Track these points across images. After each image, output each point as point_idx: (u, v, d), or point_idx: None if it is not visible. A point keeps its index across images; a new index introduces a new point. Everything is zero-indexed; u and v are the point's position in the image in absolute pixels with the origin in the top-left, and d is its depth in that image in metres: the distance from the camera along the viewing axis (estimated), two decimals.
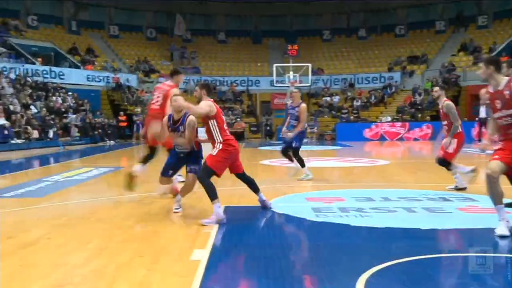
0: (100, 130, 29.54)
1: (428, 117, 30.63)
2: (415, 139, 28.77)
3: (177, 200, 7.31)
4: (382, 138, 29.48)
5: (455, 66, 35.27)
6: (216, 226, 6.40)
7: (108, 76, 35.32)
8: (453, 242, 5.94)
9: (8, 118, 22.79)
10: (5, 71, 28.60)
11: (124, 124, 31.04)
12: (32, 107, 26.41)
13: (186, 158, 7.10)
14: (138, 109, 31.50)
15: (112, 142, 28.45)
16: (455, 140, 8.81)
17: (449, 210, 7.43)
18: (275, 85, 34.08)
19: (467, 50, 37.11)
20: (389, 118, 32.26)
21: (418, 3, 41.17)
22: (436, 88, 9.41)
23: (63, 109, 28.66)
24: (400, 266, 4.44)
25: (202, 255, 4.86)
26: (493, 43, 35.93)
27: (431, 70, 36.63)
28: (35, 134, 24.19)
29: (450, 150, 8.84)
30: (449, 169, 9.29)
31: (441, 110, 9.10)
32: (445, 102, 8.97)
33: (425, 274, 4.41)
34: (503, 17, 37.91)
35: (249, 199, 8.27)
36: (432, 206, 7.68)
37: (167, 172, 7.24)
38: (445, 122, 9.00)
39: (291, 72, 33.80)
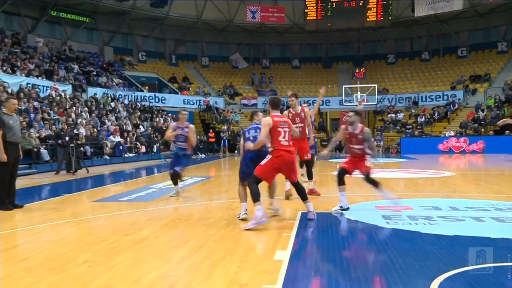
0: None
1: (491, 132, 28.78)
2: (473, 152, 27.15)
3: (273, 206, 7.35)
4: (450, 151, 28.05)
5: None
6: (295, 230, 6.29)
7: (200, 100, 36.06)
8: None
9: (122, 136, 23.78)
10: (121, 97, 30.10)
11: (213, 140, 31.49)
12: (140, 126, 27.52)
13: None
14: (225, 127, 31.91)
15: (203, 155, 28.83)
16: None
17: (486, 217, 6.97)
18: (344, 104, 33.23)
19: None
20: (452, 133, 30.48)
21: (480, 26, 39.06)
22: (351, 114, 7.87)
23: (164, 128, 29.63)
24: (472, 272, 4.25)
25: (284, 256, 4.84)
26: None
27: (493, 87, 34.48)
28: (143, 149, 25.14)
29: None
30: None
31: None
32: None
33: (496, 282, 4.16)
34: None
35: (324, 205, 8.11)
36: (501, 216, 7.18)
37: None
38: None
39: (358, 92, 33.09)
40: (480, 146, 27.11)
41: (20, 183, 12.91)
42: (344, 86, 34.83)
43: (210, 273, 4.31)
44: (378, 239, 6.19)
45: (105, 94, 29.16)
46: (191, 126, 9.19)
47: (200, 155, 29.10)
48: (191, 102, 35.72)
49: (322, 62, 42.80)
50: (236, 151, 28.72)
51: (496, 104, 31.21)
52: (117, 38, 38.04)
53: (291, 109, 8.84)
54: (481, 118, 31.08)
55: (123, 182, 13.17)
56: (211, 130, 32.71)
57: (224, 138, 30.69)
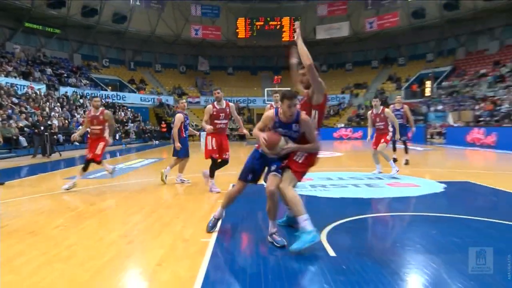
0: (148, 134, 29.85)
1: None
2: (356, 138, 28.86)
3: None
4: (341, 138, 29.56)
5: (384, 90, 35.35)
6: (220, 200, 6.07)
7: (154, 98, 35.52)
8: (384, 205, 5.92)
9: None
10: (88, 95, 29.01)
11: (164, 129, 31.13)
12: None
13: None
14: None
15: (156, 142, 28.60)
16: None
17: (381, 185, 7.41)
18: (266, 102, 33.80)
19: (392, 80, 37.19)
20: (342, 125, 32.48)
21: (359, 48, 41.07)
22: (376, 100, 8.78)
23: (125, 120, 29.15)
24: (350, 222, 4.61)
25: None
26: (408, 75, 36.00)
27: (369, 92, 36.70)
28: None
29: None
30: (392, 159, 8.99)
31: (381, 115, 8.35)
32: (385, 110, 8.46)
33: (366, 227, 4.67)
34: (414, 59, 37.91)
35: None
36: (371, 183, 7.65)
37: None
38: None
39: (276, 94, 33.81)
40: (360, 134, 28.88)
41: (2, 164, 12.70)
42: (266, 89, 35.73)
43: (160, 232, 4.36)
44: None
45: (74, 92, 28.04)
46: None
47: (154, 141, 29.05)
48: (147, 100, 35.14)
49: (250, 70, 43.21)
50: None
51: (371, 104, 32.80)
52: (85, 47, 36.42)
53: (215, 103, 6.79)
54: (361, 114, 33.31)
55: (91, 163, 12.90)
56: (163, 122, 32.40)
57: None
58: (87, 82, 32.33)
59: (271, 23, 39.71)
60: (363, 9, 37.63)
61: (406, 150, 10.97)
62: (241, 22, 39.75)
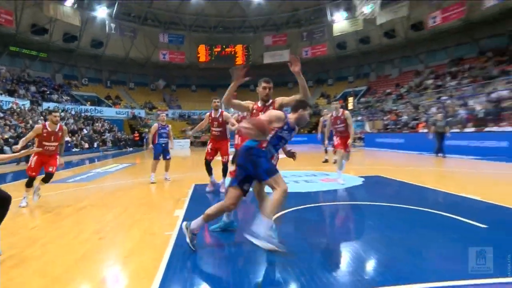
0: (123, 142, 28.73)
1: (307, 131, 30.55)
2: (297, 142, 28.53)
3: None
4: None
5: (318, 104, 35.88)
6: (190, 196, 6.02)
7: (128, 111, 34.24)
8: (317, 197, 5.93)
9: (71, 136, 22.09)
10: (69, 109, 27.53)
11: (137, 138, 30.08)
12: (84, 130, 25.68)
13: None
14: (146, 130, 30.79)
15: (130, 149, 27.61)
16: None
17: (316, 181, 7.49)
18: None
19: (324, 96, 38.05)
20: None
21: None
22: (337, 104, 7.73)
23: (102, 130, 27.87)
24: (290, 213, 4.57)
25: (180, 213, 4.78)
26: (335, 93, 37.09)
27: None
28: (86, 145, 23.56)
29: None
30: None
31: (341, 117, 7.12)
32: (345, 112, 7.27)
33: (302, 216, 4.59)
34: (340, 80, 38.98)
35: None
36: (308, 179, 7.71)
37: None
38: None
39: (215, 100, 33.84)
40: (303, 139, 28.83)
41: None
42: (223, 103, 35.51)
43: (130, 227, 4.21)
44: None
45: (56, 107, 26.22)
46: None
47: (128, 148, 28.01)
48: (122, 113, 33.71)
49: (210, 88, 42.75)
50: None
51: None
52: (66, 68, 34.31)
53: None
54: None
55: (71, 169, 12.19)
56: (136, 132, 31.19)
57: (146, 137, 29.48)
58: (68, 98, 30.52)
59: (226, 49, 39.56)
60: (300, 40, 38.43)
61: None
62: (201, 48, 39.39)
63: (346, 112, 7.30)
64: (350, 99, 35.47)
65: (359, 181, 7.33)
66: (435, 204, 5.14)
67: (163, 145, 8.15)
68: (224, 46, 39.55)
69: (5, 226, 4.48)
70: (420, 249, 3.23)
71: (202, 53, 39.48)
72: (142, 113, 35.47)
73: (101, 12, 32.19)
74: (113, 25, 33.24)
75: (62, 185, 7.84)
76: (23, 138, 5.47)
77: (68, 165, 14.86)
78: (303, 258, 3.05)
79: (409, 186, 6.78)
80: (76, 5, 29.87)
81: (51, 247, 3.54)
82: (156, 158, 8.06)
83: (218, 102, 6.39)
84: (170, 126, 8.33)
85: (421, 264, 2.85)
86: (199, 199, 6.00)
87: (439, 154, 12.65)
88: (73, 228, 4.28)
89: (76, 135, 23.57)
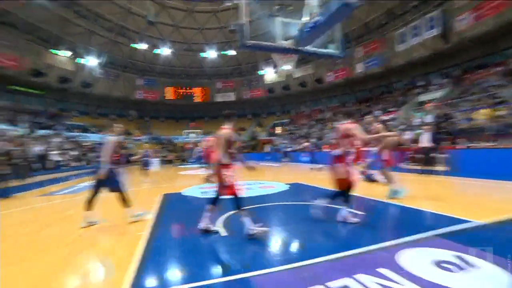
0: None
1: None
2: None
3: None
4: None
5: (256, 131, 37.28)
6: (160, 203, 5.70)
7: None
8: (258, 200, 5.68)
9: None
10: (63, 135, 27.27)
11: (117, 157, 29.53)
12: (72, 151, 25.89)
13: None
14: (123, 151, 30.55)
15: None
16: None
17: (256, 188, 7.29)
18: (184, 138, 34.86)
19: (260, 126, 39.01)
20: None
21: (242, 107, 41.66)
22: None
23: (87, 151, 28.33)
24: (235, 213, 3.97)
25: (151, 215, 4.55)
26: (268, 123, 38.27)
27: (247, 133, 37.74)
28: (73, 164, 23.61)
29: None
30: None
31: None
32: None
33: (261, 214, 4.39)
34: (270, 115, 40.83)
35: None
36: (250, 187, 7.39)
37: None
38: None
39: (195, 134, 34.75)
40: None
41: None
42: (183, 131, 36.54)
43: (111, 230, 3.97)
44: (197, 203, 5.79)
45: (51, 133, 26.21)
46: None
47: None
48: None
49: (175, 119, 42.84)
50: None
51: (250, 139, 35.04)
52: (59, 104, 33.35)
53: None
54: (243, 145, 34.06)
55: (61, 184, 10.68)
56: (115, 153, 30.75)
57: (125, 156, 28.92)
58: (62, 127, 29.82)
59: (187, 90, 40.53)
60: (242, 86, 40.48)
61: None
62: (169, 89, 39.95)
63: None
64: (278, 128, 38.13)
65: (286, 187, 7.37)
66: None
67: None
68: (186, 88, 40.55)
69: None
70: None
71: (169, 93, 40.09)
72: (121, 138, 34.79)
73: (92, 61, 32.51)
74: (100, 71, 33.78)
75: (55, 196, 7.48)
76: None
77: (59, 180, 13.62)
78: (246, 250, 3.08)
79: (319, 189, 6.90)
80: (72, 55, 30.18)
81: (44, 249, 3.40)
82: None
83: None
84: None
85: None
86: (168, 205, 5.72)
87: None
88: (65, 229, 4.23)
89: (67, 155, 23.46)
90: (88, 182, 10.58)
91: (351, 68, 29.59)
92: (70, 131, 30.83)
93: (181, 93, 40.75)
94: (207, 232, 3.65)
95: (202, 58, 38.06)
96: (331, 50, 5.92)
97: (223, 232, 3.71)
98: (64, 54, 29.39)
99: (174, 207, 5.61)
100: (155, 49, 35.31)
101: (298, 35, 5.42)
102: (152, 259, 2.97)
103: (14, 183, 12.94)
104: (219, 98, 41.13)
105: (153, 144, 36.26)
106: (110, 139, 4.52)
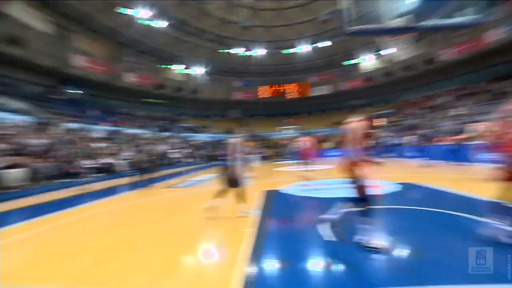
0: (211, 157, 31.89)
1: None
2: None
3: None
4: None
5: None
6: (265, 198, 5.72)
7: (213, 136, 38.11)
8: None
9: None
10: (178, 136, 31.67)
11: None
12: (185, 149, 29.59)
13: None
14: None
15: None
16: None
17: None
18: None
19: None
20: None
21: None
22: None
23: (197, 149, 31.80)
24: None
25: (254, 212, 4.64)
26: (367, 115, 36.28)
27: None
28: (188, 160, 26.73)
29: None
30: None
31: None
32: None
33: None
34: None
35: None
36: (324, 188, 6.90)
37: None
38: None
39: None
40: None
41: None
42: (278, 127, 36.80)
43: (216, 224, 4.07)
44: (295, 199, 5.90)
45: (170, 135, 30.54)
46: None
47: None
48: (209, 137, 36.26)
49: (271, 117, 43.57)
50: None
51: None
52: (176, 109, 38.45)
53: None
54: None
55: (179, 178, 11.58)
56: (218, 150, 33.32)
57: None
58: (177, 129, 34.73)
59: (281, 88, 41.02)
60: (339, 78, 38.63)
61: None
62: (263, 88, 41.44)
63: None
64: (380, 119, 34.55)
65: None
66: None
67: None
68: (280, 85, 41.36)
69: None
70: None
71: (264, 91, 41.64)
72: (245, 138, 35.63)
73: (198, 71, 37.05)
74: (205, 78, 38.07)
75: (176, 189, 8.21)
76: None
77: (178, 174, 14.36)
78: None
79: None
80: (183, 68, 35.29)
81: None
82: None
83: None
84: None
85: None
86: (272, 203, 5.58)
87: None
88: (175, 225, 4.40)
89: (181, 153, 26.69)
90: (199, 177, 11.76)
91: (479, 38, 23.56)
92: (182, 132, 35.58)
93: (279, 90, 41.54)
94: (373, 248, 3.10)
95: (294, 54, 37.84)
96: (463, 17, 4.50)
97: (328, 237, 3.41)
98: (176, 67, 34.16)
99: (279, 205, 5.50)
100: (249, 52, 36.97)
101: (415, 8, 4.31)
102: (263, 257, 2.99)
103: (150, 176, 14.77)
104: (315, 92, 40.16)
105: (252, 141, 37.89)
106: (235, 140, 4.79)
